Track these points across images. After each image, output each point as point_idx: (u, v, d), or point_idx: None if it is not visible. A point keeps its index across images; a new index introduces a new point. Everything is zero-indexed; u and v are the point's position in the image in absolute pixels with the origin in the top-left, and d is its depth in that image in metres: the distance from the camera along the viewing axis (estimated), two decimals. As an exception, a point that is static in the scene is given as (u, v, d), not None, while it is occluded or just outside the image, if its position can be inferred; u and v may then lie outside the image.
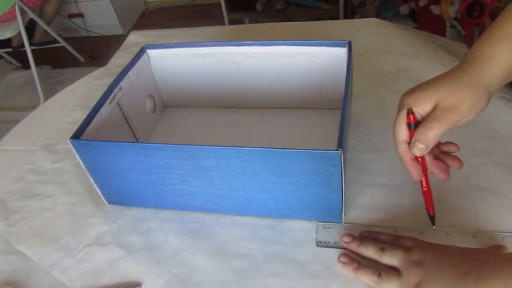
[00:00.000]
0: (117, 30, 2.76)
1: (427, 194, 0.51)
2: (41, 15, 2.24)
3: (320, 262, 0.50)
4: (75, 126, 0.53)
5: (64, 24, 2.72)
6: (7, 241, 0.59)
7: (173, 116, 0.75)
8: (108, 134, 0.58)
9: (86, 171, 0.56)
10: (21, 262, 0.56)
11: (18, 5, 2.02)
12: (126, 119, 0.64)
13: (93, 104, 0.57)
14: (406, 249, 0.46)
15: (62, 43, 2.41)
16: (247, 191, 0.52)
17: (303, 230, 0.54)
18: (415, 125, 0.45)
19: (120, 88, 0.62)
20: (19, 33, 2.09)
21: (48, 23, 2.28)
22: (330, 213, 0.53)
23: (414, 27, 2.07)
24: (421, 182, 0.50)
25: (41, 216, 0.62)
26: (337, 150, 0.45)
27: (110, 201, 0.61)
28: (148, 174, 0.53)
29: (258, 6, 2.22)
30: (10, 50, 2.36)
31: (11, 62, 2.56)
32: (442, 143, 0.51)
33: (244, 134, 0.69)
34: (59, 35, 2.39)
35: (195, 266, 0.52)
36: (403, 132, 0.46)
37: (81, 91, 0.88)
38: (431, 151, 0.48)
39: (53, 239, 0.58)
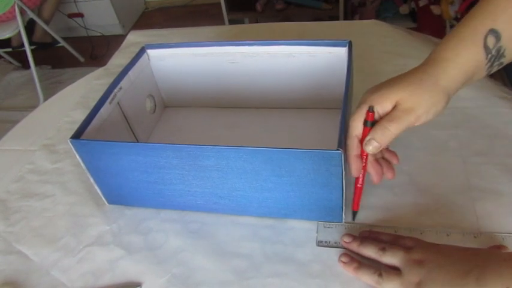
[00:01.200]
0: (117, 30, 2.76)
1: (359, 191, 0.52)
2: (39, 14, 2.24)
3: (320, 262, 0.50)
4: (75, 126, 0.53)
5: (64, 24, 2.72)
6: (7, 241, 0.59)
7: (173, 116, 0.75)
8: (108, 133, 0.58)
9: (86, 171, 0.56)
10: (21, 262, 0.56)
11: (17, 5, 2.02)
12: (126, 119, 0.64)
13: (93, 104, 0.57)
14: (407, 249, 0.46)
15: (62, 43, 2.41)
16: (248, 190, 0.52)
17: (303, 230, 0.54)
18: (371, 123, 0.46)
19: (120, 88, 0.62)
20: (19, 33, 2.09)
21: (47, 23, 2.28)
22: (330, 213, 0.53)
23: (414, 27, 2.07)
24: (358, 178, 0.51)
25: (41, 216, 0.62)
26: (338, 150, 0.45)
27: (110, 201, 0.61)
28: (149, 174, 0.53)
29: (258, 6, 2.22)
30: (10, 50, 2.36)
31: (10, 62, 2.56)
32: (387, 150, 0.53)
33: (244, 133, 0.69)
34: (59, 35, 2.39)
35: (196, 266, 0.52)
36: (358, 128, 0.47)
37: (81, 91, 0.88)
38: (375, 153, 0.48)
39: (53, 239, 0.58)
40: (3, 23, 2.11)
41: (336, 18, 2.14)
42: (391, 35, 0.90)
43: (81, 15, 2.67)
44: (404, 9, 2.14)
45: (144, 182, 0.55)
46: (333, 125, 0.66)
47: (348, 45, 0.61)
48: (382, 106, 0.46)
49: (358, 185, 0.51)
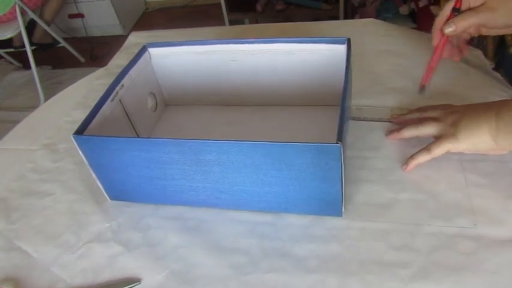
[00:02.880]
0: (118, 31, 2.77)
1: (432, 66, 0.62)
2: (41, 15, 2.24)
3: (318, 257, 0.51)
4: (76, 126, 0.54)
5: (64, 24, 2.73)
6: (8, 238, 0.59)
7: (174, 114, 0.76)
8: (110, 131, 0.58)
9: (89, 167, 0.56)
10: (22, 259, 0.56)
11: (18, 5, 2.03)
12: (128, 116, 0.64)
13: (93, 103, 0.58)
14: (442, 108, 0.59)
15: (62, 43, 2.42)
16: (248, 185, 0.52)
17: (300, 226, 0.54)
18: (457, 9, 0.56)
19: (122, 86, 0.62)
20: (20, 33, 2.10)
21: (49, 24, 2.29)
22: (329, 206, 0.53)
23: (414, 28, 2.07)
24: (434, 54, 0.61)
25: (42, 214, 0.62)
26: (337, 143, 0.45)
27: (112, 197, 0.61)
28: (151, 169, 0.54)
29: (258, 7, 2.22)
30: (11, 50, 2.36)
31: (11, 62, 2.57)
32: (464, 43, 0.63)
33: (244, 131, 0.69)
34: (60, 36, 2.39)
35: (194, 262, 0.53)
36: (447, 9, 0.58)
37: (82, 91, 0.88)
38: (455, 38, 0.61)
39: (54, 236, 0.59)
40: (4, 23, 2.11)
41: (336, 19, 2.14)
42: (389, 33, 0.90)
43: (81, 15, 2.68)
44: (404, 9, 2.14)
45: (146, 177, 0.55)
46: (332, 122, 0.66)
47: (346, 42, 0.61)
48: (474, 1, 0.56)
49: (434, 59, 0.62)
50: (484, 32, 0.61)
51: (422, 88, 0.64)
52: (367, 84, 0.75)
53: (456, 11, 0.57)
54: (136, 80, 0.66)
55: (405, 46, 0.85)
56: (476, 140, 0.54)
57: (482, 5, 0.56)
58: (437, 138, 0.57)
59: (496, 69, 0.78)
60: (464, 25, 0.56)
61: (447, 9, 0.58)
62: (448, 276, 0.47)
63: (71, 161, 0.70)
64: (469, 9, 0.57)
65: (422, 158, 0.57)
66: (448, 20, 0.58)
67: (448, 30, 0.57)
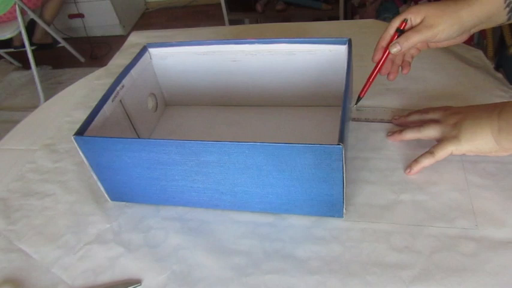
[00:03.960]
0: (117, 31, 2.77)
1: (370, 81, 0.64)
2: (41, 16, 2.24)
3: (319, 259, 0.51)
4: (76, 126, 0.54)
5: (64, 24, 2.73)
6: (8, 239, 0.59)
7: (175, 114, 0.76)
8: (110, 131, 0.58)
9: (89, 167, 0.56)
10: (22, 260, 0.56)
11: (18, 5, 2.03)
12: (129, 117, 0.64)
13: (93, 104, 0.57)
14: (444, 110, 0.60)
15: (62, 43, 2.42)
16: (249, 186, 0.52)
17: (302, 227, 0.54)
18: (401, 30, 0.59)
19: (123, 86, 0.62)
20: (20, 33, 2.10)
21: (48, 24, 2.29)
22: (331, 207, 0.53)
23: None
24: (374, 70, 0.63)
25: (42, 214, 0.62)
26: (339, 144, 0.45)
27: (113, 198, 0.61)
28: (151, 170, 0.53)
29: (258, 7, 2.22)
30: (11, 50, 2.36)
31: (11, 63, 2.57)
32: (405, 62, 0.64)
33: (245, 131, 0.69)
34: (60, 36, 2.39)
35: (195, 263, 0.52)
36: (392, 29, 0.60)
37: (82, 91, 0.88)
38: (400, 55, 0.63)
39: (54, 237, 0.58)
40: (4, 23, 2.11)
41: (336, 19, 2.14)
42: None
43: (81, 15, 2.68)
44: (404, 9, 2.14)
45: (146, 178, 0.55)
46: (333, 122, 0.67)
47: (347, 43, 0.61)
48: (415, 18, 0.58)
49: (372, 76, 0.64)
50: (432, 46, 0.63)
51: (358, 99, 0.67)
52: (368, 85, 0.75)
53: (400, 31, 0.59)
54: (137, 81, 0.66)
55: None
56: (479, 141, 0.54)
57: (421, 23, 0.58)
58: (440, 141, 0.57)
59: (495, 69, 0.78)
60: (408, 45, 0.58)
61: (391, 28, 0.60)
62: (449, 278, 0.47)
63: (71, 161, 0.70)
64: (411, 28, 0.59)
65: (427, 162, 0.57)
66: (392, 39, 0.60)
67: (394, 50, 0.59)
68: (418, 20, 0.58)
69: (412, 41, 0.58)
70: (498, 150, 0.54)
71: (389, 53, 0.61)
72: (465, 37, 0.60)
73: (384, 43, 0.61)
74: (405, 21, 0.59)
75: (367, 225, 0.53)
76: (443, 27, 0.56)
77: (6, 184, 0.68)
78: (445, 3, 0.58)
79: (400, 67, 0.65)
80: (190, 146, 0.49)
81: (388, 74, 0.65)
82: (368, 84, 0.65)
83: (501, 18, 0.57)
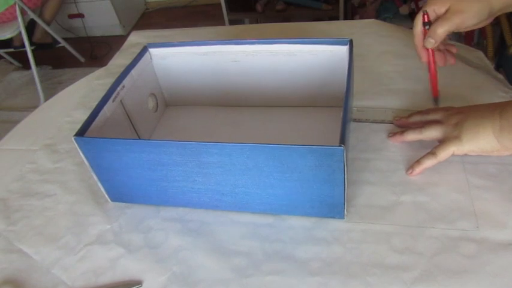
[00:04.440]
0: (117, 31, 2.77)
1: (434, 78, 0.65)
2: (41, 15, 2.24)
3: (320, 260, 0.51)
4: (76, 126, 0.54)
5: (64, 24, 2.72)
6: (8, 240, 0.59)
7: (175, 115, 0.76)
8: (110, 131, 0.58)
9: (90, 168, 0.56)
10: (22, 261, 0.56)
11: (18, 5, 2.02)
12: (129, 117, 0.64)
13: (93, 104, 0.57)
14: (445, 110, 0.60)
15: (62, 43, 2.42)
16: (250, 187, 0.52)
17: (302, 228, 0.54)
18: (428, 23, 0.59)
19: (123, 86, 0.62)
20: (20, 33, 2.09)
21: (48, 24, 2.29)
22: (332, 209, 0.53)
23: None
24: (430, 68, 0.64)
25: (42, 215, 0.62)
26: (340, 146, 0.45)
27: (113, 199, 0.61)
28: (152, 171, 0.53)
29: (258, 7, 2.22)
30: (11, 50, 2.36)
31: (11, 63, 2.57)
32: (447, 43, 0.65)
33: (245, 132, 0.69)
34: (59, 36, 2.39)
35: (196, 264, 0.52)
36: (419, 27, 0.60)
37: (82, 91, 0.88)
38: (438, 46, 0.61)
39: (54, 237, 0.58)
40: (4, 23, 2.11)
41: (336, 19, 2.14)
42: (390, 34, 0.90)
43: (81, 15, 2.68)
44: (404, 9, 2.14)
45: (147, 179, 0.55)
46: (334, 123, 0.67)
47: (348, 43, 0.61)
48: (438, 8, 0.57)
49: (432, 72, 0.64)
50: (459, 30, 0.62)
51: (436, 100, 0.67)
52: (368, 86, 0.75)
53: (427, 24, 0.59)
54: (137, 81, 0.66)
55: (406, 47, 0.84)
56: (480, 141, 0.54)
57: (448, 10, 0.57)
58: (441, 141, 0.57)
59: (495, 69, 0.78)
60: (441, 35, 0.58)
61: (418, 25, 0.60)
62: (450, 279, 0.47)
63: (72, 161, 0.70)
64: (438, 18, 0.58)
65: (429, 163, 0.57)
66: (424, 35, 0.60)
67: (430, 44, 0.60)
68: (443, 9, 0.58)
69: (442, 30, 0.57)
70: (500, 149, 0.53)
71: (429, 49, 0.61)
72: (489, 21, 0.59)
73: (420, 42, 0.62)
74: (425, 12, 0.59)
75: (368, 227, 0.53)
76: (473, 12, 0.56)
77: (6, 184, 0.68)
78: None
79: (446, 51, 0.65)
80: (191, 147, 0.49)
81: (448, 61, 0.64)
82: (434, 83, 0.66)
83: None
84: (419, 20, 0.60)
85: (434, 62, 0.63)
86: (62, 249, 0.57)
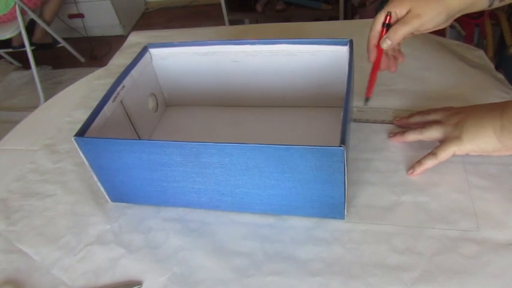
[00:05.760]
0: (117, 31, 2.77)
1: (373, 79, 0.64)
2: (40, 16, 2.24)
3: (321, 260, 0.51)
4: (76, 126, 0.53)
5: (64, 24, 2.72)
6: (8, 240, 0.59)
7: (175, 115, 0.76)
8: (111, 132, 0.58)
9: (90, 168, 0.56)
10: (23, 261, 0.56)
11: (18, 5, 2.02)
12: (129, 117, 0.64)
13: (93, 104, 0.57)
14: (445, 111, 0.60)
15: (62, 43, 2.42)
16: (250, 187, 0.52)
17: (303, 229, 0.54)
18: (387, 24, 0.58)
19: (123, 86, 0.62)
20: (19, 34, 2.09)
21: (48, 24, 2.29)
22: (332, 209, 0.53)
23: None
24: (374, 68, 0.62)
25: (42, 215, 0.62)
26: (340, 146, 0.45)
27: (114, 199, 0.61)
28: (152, 171, 0.53)
29: (258, 7, 2.22)
30: (10, 50, 2.36)
31: (11, 63, 2.56)
32: (398, 51, 0.64)
33: (246, 132, 0.69)
34: (59, 36, 2.39)
35: (196, 264, 0.52)
36: (378, 25, 0.59)
37: (82, 91, 0.88)
38: (390, 49, 0.61)
39: (54, 238, 0.58)
40: (4, 23, 2.11)
41: (336, 19, 2.14)
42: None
43: (81, 15, 2.68)
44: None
45: (147, 179, 0.55)
46: (334, 123, 0.67)
47: (348, 43, 0.61)
48: (400, 10, 0.57)
49: (374, 75, 0.63)
50: (417, 33, 0.61)
51: (366, 100, 0.66)
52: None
53: (387, 26, 0.58)
54: (138, 81, 0.66)
55: (406, 47, 0.83)
56: (481, 140, 0.54)
57: (408, 13, 0.57)
58: (442, 142, 0.57)
59: (495, 69, 0.78)
60: (399, 38, 0.57)
61: (377, 24, 0.59)
62: (451, 280, 0.47)
63: (72, 161, 0.70)
64: (398, 20, 0.58)
65: (430, 163, 0.57)
66: (381, 35, 0.59)
67: (385, 45, 0.58)
68: (403, 12, 0.57)
69: (401, 33, 0.57)
70: (501, 149, 0.53)
71: (382, 49, 0.60)
72: (449, 23, 0.59)
73: (374, 41, 0.60)
74: (389, 14, 0.58)
75: (369, 227, 0.53)
76: (431, 16, 0.56)
77: (6, 184, 0.68)
78: None
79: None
80: (191, 147, 0.49)
81: (389, 68, 0.64)
82: (371, 83, 0.65)
83: (484, 4, 0.57)
84: (380, 20, 0.59)
85: (379, 64, 0.62)
86: (62, 250, 0.57)
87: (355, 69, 0.63)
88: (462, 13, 0.57)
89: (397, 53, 0.64)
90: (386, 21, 0.58)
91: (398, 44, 0.63)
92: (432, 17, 0.56)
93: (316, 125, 0.68)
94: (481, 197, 0.54)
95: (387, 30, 0.58)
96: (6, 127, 0.91)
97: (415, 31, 0.58)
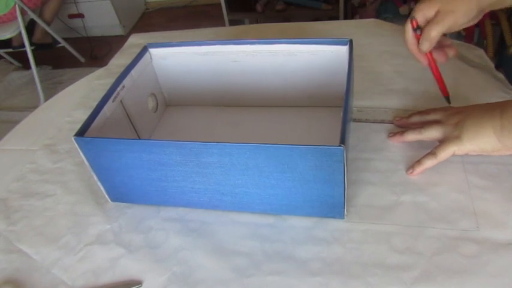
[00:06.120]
0: (117, 31, 2.77)
1: (438, 78, 0.64)
2: (40, 16, 2.24)
3: (320, 260, 0.51)
4: (76, 126, 0.54)
5: (64, 24, 2.72)
6: (8, 240, 0.59)
7: (175, 115, 0.76)
8: (110, 131, 0.58)
9: (90, 168, 0.56)
10: (23, 261, 0.56)
11: (18, 5, 2.02)
12: (129, 117, 0.64)
13: (93, 104, 0.57)
14: (444, 111, 0.60)
15: (62, 43, 2.42)
16: (250, 187, 0.52)
17: (303, 228, 0.54)
18: (417, 28, 0.59)
19: (123, 86, 0.62)
20: (19, 34, 2.09)
21: (48, 24, 2.29)
22: (332, 209, 0.53)
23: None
24: (432, 70, 0.64)
25: (42, 215, 0.62)
26: (340, 146, 0.45)
27: (113, 199, 0.61)
28: (152, 171, 0.53)
29: (258, 7, 2.22)
30: (10, 50, 2.36)
31: (11, 63, 2.57)
32: (445, 43, 0.63)
33: (246, 132, 0.69)
34: (59, 36, 2.39)
35: (196, 264, 0.52)
36: (408, 34, 0.60)
37: (82, 91, 0.88)
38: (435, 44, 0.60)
39: (54, 237, 0.58)
40: (4, 23, 2.11)
41: (336, 19, 2.14)
42: (390, 34, 0.90)
43: (81, 15, 2.68)
44: (404, 9, 2.14)
45: (147, 179, 0.55)
46: (334, 123, 0.67)
47: (348, 43, 0.61)
48: (428, 12, 0.57)
49: (436, 73, 0.64)
50: (449, 32, 0.62)
51: (447, 99, 0.67)
52: (368, 86, 0.75)
53: (418, 29, 0.59)
54: (138, 81, 0.66)
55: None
56: (481, 140, 0.54)
57: (438, 12, 0.57)
58: (442, 141, 0.57)
59: (495, 69, 0.78)
60: (435, 38, 0.58)
61: (408, 32, 0.60)
62: (450, 279, 0.47)
63: (72, 161, 0.70)
64: (428, 21, 0.58)
65: (429, 163, 0.57)
66: (417, 40, 0.60)
67: (425, 48, 0.59)
68: (432, 13, 0.57)
69: (436, 33, 0.57)
70: (501, 149, 0.53)
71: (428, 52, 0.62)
72: (479, 18, 0.59)
73: (415, 48, 0.61)
74: (413, 19, 0.59)
75: (368, 227, 0.53)
76: (464, 11, 0.56)
77: (6, 184, 0.68)
78: None
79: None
80: (191, 147, 0.49)
81: (446, 56, 0.64)
82: (441, 82, 0.65)
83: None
84: (408, 27, 0.60)
85: (435, 62, 0.63)
86: (62, 249, 0.57)
87: (355, 69, 0.63)
88: (493, 8, 0.57)
89: (443, 42, 0.63)
90: (414, 26, 0.59)
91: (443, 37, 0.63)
92: (465, 12, 0.56)
93: (316, 125, 0.68)
94: (481, 197, 0.54)
95: (421, 34, 0.59)
96: (6, 127, 0.91)
97: (448, 29, 0.58)
